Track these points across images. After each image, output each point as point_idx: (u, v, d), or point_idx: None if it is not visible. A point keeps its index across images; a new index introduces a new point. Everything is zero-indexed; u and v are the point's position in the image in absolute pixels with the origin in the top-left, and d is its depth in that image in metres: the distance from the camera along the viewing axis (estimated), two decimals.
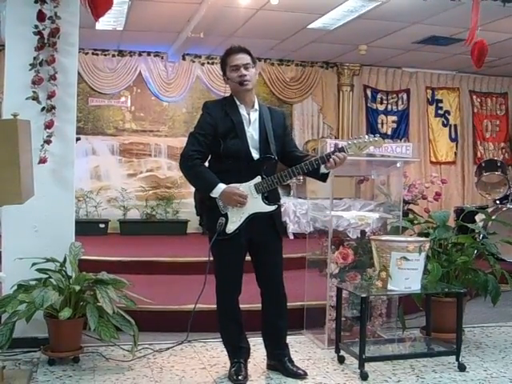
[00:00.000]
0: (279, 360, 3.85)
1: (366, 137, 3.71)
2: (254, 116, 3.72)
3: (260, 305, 3.91)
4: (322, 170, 3.69)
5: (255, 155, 3.66)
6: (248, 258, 3.82)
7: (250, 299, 4.22)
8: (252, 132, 3.69)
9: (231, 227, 3.63)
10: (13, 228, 4.32)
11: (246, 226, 3.64)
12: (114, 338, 3.91)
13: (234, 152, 3.62)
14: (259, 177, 3.64)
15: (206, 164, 3.71)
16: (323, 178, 3.77)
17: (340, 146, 3.69)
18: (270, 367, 3.94)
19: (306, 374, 3.78)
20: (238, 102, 3.72)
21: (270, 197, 3.69)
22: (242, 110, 3.71)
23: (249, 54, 3.73)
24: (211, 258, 3.72)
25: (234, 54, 3.70)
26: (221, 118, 3.65)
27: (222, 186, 3.58)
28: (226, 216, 3.63)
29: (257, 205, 3.65)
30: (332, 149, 4.20)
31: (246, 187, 3.63)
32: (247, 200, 3.60)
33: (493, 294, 4.58)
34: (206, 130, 3.65)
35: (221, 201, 3.62)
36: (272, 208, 3.69)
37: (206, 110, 3.73)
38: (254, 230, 3.66)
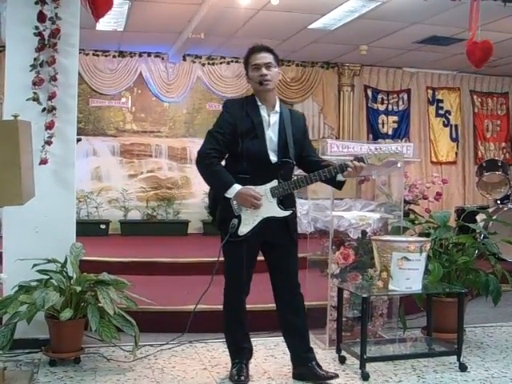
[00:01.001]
0: (305, 365, 3.72)
1: (388, 149, 3.65)
2: (275, 118, 3.65)
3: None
4: (339, 177, 3.62)
5: (273, 158, 3.60)
6: (260, 258, 3.77)
7: (252, 300, 4.21)
8: (271, 134, 3.62)
9: (244, 230, 3.58)
10: (13, 229, 4.32)
11: (260, 228, 3.58)
12: (114, 339, 3.92)
13: (251, 153, 3.55)
14: (276, 181, 3.57)
15: (223, 163, 3.66)
16: (339, 185, 3.71)
17: (360, 156, 3.63)
18: (296, 377, 3.78)
19: (337, 375, 3.71)
20: (259, 103, 3.64)
21: (286, 202, 3.63)
22: (263, 111, 3.63)
23: (272, 53, 3.64)
24: (221, 259, 3.67)
25: (256, 53, 3.62)
26: (241, 118, 3.59)
27: (237, 187, 3.52)
28: (239, 218, 3.58)
29: (271, 209, 3.59)
30: (333, 149, 4.19)
31: (262, 190, 3.57)
32: (262, 203, 3.55)
33: (494, 294, 4.58)
34: (224, 129, 3.58)
35: (235, 202, 3.57)
36: (286, 213, 3.62)
37: (226, 108, 3.67)
38: (267, 233, 3.60)
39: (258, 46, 3.67)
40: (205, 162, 3.57)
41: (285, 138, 3.63)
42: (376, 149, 3.67)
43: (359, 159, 3.59)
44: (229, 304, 3.77)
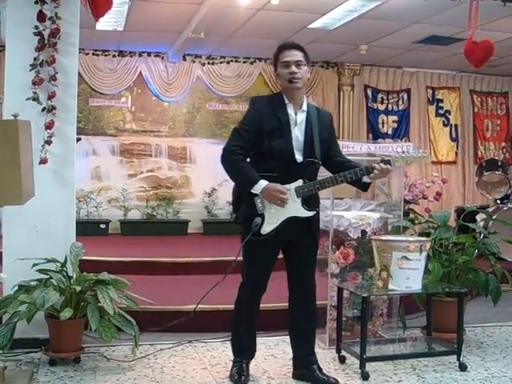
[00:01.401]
0: (308, 368, 3.71)
1: (415, 152, 3.62)
2: (301, 117, 3.60)
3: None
4: (365, 179, 3.58)
5: (298, 157, 3.54)
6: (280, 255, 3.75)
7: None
8: (297, 133, 3.57)
9: (267, 228, 3.53)
10: (13, 228, 4.32)
11: (283, 228, 3.53)
12: (114, 339, 3.91)
13: (277, 152, 3.52)
14: (301, 180, 3.52)
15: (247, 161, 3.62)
16: (364, 187, 3.67)
17: (387, 159, 3.58)
18: (296, 376, 3.79)
19: (337, 381, 3.67)
20: (286, 101, 3.59)
21: (310, 202, 3.58)
22: (290, 110, 3.58)
23: (302, 51, 3.60)
24: (240, 258, 3.63)
25: (287, 50, 3.58)
26: (267, 115, 3.55)
27: (263, 183, 3.47)
28: (262, 216, 3.53)
29: (295, 208, 3.54)
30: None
31: (286, 190, 3.52)
32: (288, 200, 3.51)
33: (493, 294, 4.58)
34: (250, 127, 3.54)
35: (259, 200, 3.52)
36: (310, 214, 3.57)
37: (252, 105, 3.64)
38: (290, 233, 3.56)
39: (289, 43, 3.64)
40: (230, 158, 3.53)
41: (311, 138, 3.58)
42: (403, 152, 3.63)
43: (386, 162, 3.54)
44: (242, 302, 3.74)
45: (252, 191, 3.51)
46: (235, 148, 3.53)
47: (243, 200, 3.59)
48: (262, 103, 3.64)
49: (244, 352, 3.79)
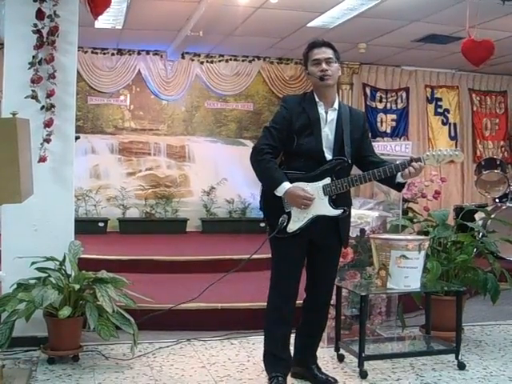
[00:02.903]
0: (307, 367, 3.71)
1: (447, 150, 3.59)
2: (332, 115, 3.57)
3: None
4: (399, 179, 3.55)
5: (328, 156, 3.51)
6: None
7: (252, 297, 4.22)
8: (327, 132, 3.54)
9: (292, 226, 3.50)
10: (12, 227, 4.32)
11: (308, 226, 3.50)
12: (113, 337, 3.91)
13: (306, 150, 3.49)
14: (329, 178, 3.49)
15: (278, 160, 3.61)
16: (399, 187, 3.65)
17: (417, 157, 3.55)
18: (294, 375, 3.74)
19: (336, 381, 3.67)
20: (317, 99, 3.57)
21: (338, 200, 3.52)
22: (320, 108, 3.56)
23: (333, 48, 3.58)
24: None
25: (317, 48, 3.55)
26: (297, 114, 3.53)
27: (286, 186, 3.45)
28: (289, 214, 3.50)
29: (322, 207, 3.50)
30: None
31: (314, 187, 3.49)
32: (312, 202, 3.47)
33: (492, 293, 4.58)
34: (280, 125, 3.52)
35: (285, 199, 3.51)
36: (337, 212, 3.51)
37: (283, 103, 3.63)
38: (315, 232, 3.52)
39: (319, 41, 3.61)
40: (257, 158, 3.52)
41: (341, 137, 3.55)
42: (435, 150, 3.60)
43: (416, 160, 3.52)
44: (273, 304, 3.60)
45: (275, 193, 3.49)
46: (264, 147, 3.51)
47: (271, 197, 3.55)
48: (292, 102, 3.62)
49: (278, 363, 3.58)
